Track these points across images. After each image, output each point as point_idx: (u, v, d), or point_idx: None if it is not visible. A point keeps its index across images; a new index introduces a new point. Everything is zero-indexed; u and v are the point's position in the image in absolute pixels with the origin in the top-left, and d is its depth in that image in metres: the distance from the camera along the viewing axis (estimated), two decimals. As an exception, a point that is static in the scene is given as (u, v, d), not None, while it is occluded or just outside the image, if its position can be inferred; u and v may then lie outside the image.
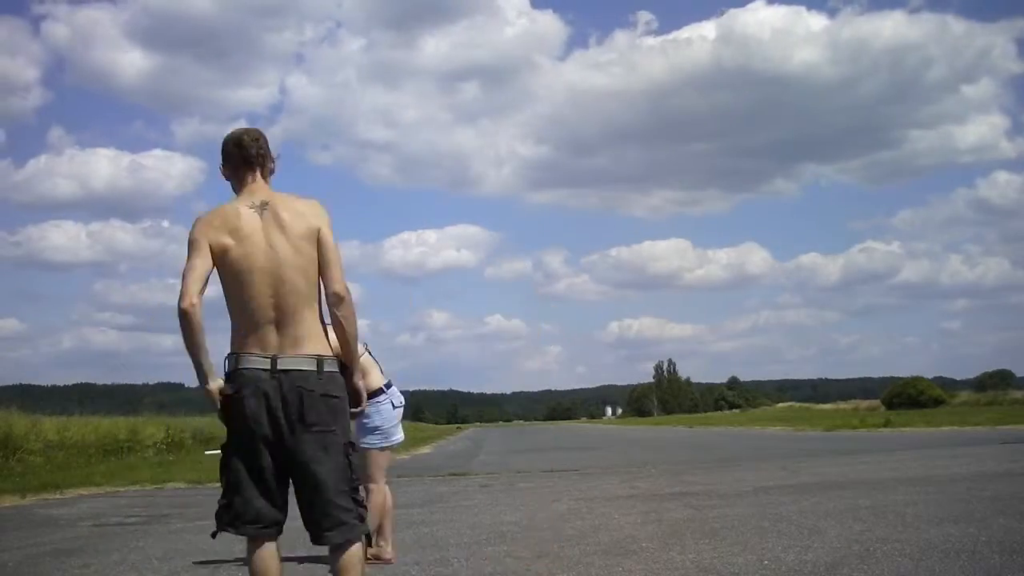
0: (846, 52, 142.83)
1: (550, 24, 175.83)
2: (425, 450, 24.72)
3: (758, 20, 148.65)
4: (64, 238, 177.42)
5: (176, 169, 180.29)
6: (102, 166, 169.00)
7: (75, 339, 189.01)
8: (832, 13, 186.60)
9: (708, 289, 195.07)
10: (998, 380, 63.49)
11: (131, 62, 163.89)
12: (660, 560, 4.76)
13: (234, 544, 6.09)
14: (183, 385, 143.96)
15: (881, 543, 4.87)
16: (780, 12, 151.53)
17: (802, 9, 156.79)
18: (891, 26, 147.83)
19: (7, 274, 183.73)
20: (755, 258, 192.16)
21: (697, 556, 4.81)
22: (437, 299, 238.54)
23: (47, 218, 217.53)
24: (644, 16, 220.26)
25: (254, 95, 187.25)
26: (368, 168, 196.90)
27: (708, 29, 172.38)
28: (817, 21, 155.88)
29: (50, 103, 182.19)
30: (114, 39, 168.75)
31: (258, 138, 3.00)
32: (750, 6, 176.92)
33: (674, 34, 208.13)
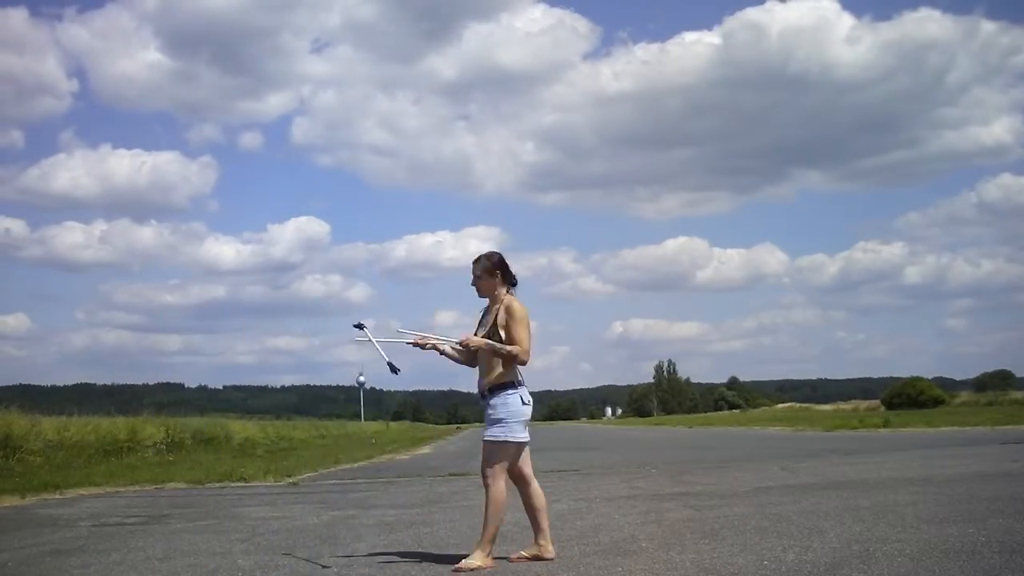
0: (864, 52, 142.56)
1: (562, 26, 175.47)
2: (425, 450, 24.73)
3: (771, 20, 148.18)
4: (77, 238, 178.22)
5: (191, 171, 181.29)
6: (117, 167, 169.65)
7: (76, 339, 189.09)
8: (852, 13, 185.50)
9: (709, 290, 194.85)
10: (998, 380, 63.55)
11: (148, 65, 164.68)
12: (660, 560, 4.76)
13: (234, 545, 6.10)
14: (183, 385, 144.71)
15: (881, 543, 4.88)
16: (794, 12, 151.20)
17: (821, 9, 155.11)
18: (914, 26, 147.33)
19: (24, 273, 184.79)
20: (760, 259, 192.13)
21: (697, 556, 4.81)
22: (442, 299, 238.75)
23: (62, 218, 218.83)
24: (650, 19, 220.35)
25: (271, 100, 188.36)
26: (379, 170, 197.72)
27: (715, 32, 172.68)
28: (834, 20, 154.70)
29: (65, 104, 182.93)
30: (131, 42, 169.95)
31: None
32: (764, 6, 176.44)
33: (682, 36, 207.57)
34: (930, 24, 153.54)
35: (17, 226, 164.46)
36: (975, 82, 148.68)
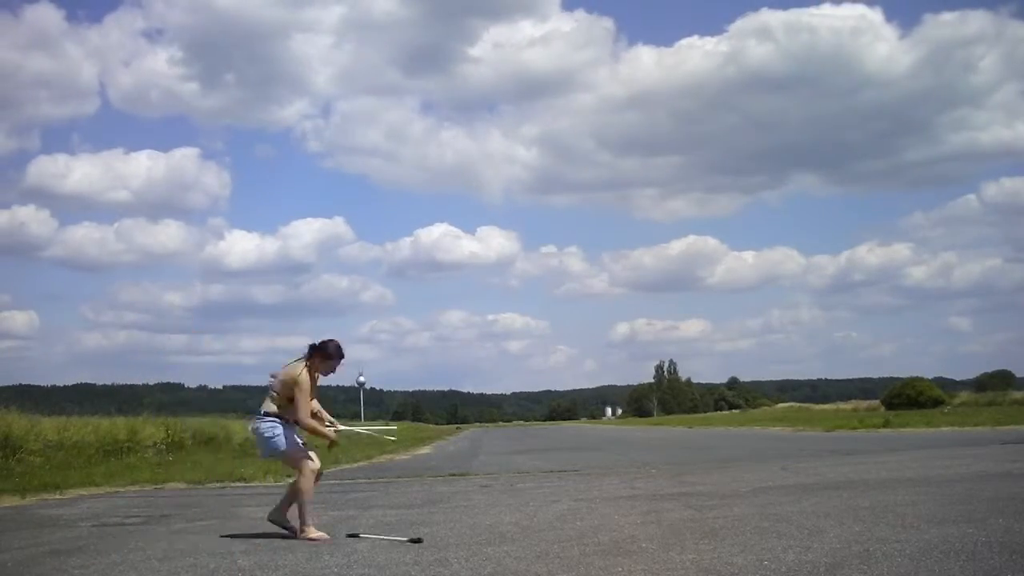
0: (881, 52, 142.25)
1: (574, 29, 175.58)
2: (425, 450, 24.73)
3: (780, 21, 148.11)
4: (93, 237, 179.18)
5: (206, 174, 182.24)
6: (130, 169, 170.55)
7: (82, 339, 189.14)
8: (879, 14, 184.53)
9: (711, 290, 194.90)
10: (998, 380, 63.49)
11: (163, 70, 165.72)
12: (660, 560, 4.76)
13: (233, 545, 6.10)
14: (183, 385, 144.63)
15: (881, 543, 4.88)
16: (811, 12, 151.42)
17: (843, 11, 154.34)
18: (936, 25, 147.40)
19: (41, 272, 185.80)
20: (762, 260, 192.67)
21: (697, 556, 4.81)
22: (443, 300, 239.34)
23: (79, 218, 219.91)
24: (658, 22, 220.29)
25: (288, 107, 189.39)
26: (388, 173, 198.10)
27: (721, 35, 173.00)
28: (852, 22, 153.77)
29: (81, 106, 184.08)
30: (146, 46, 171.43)
31: None
32: (775, 9, 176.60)
33: (684, 41, 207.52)
34: (953, 25, 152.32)
35: (36, 225, 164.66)
36: (996, 82, 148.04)
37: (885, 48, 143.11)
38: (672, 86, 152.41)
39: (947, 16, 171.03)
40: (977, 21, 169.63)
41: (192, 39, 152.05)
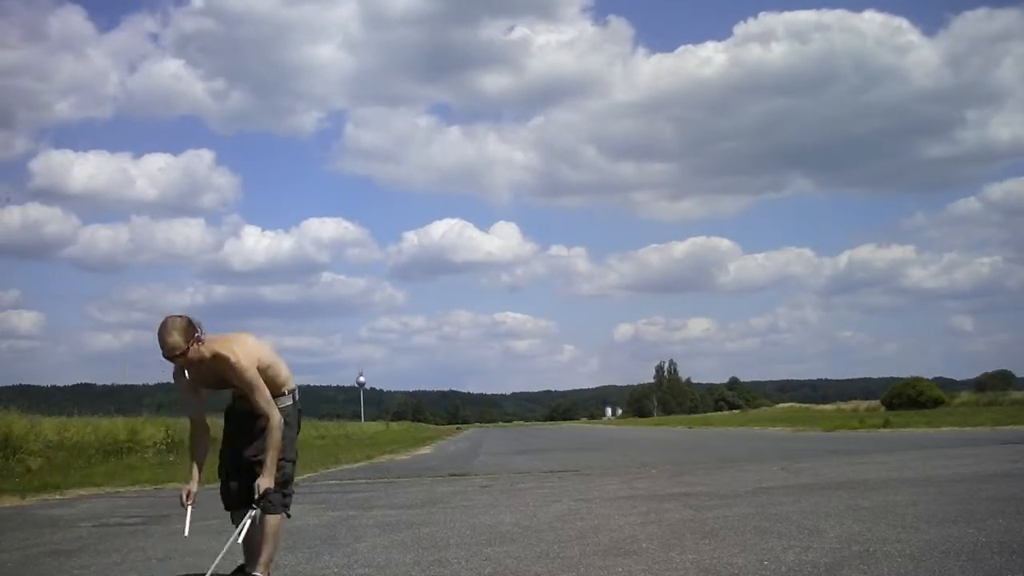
0: (894, 52, 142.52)
1: (582, 36, 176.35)
2: (424, 451, 24.74)
3: (784, 24, 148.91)
4: (104, 236, 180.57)
5: (217, 176, 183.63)
6: (141, 170, 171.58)
7: (84, 339, 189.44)
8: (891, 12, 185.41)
9: (712, 291, 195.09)
10: (998, 381, 63.50)
11: (174, 73, 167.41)
12: (660, 560, 4.76)
13: (234, 545, 6.08)
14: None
15: (881, 543, 4.87)
16: (816, 15, 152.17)
17: (855, 14, 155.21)
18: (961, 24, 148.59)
19: (51, 271, 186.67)
20: (762, 261, 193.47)
21: (697, 556, 4.81)
22: (450, 300, 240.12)
23: (89, 219, 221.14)
24: (663, 27, 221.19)
25: (297, 107, 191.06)
26: (396, 174, 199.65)
27: (726, 39, 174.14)
28: (863, 23, 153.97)
29: (93, 108, 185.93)
30: (158, 50, 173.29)
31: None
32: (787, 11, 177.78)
33: (692, 43, 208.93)
34: (979, 23, 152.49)
35: (50, 226, 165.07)
36: (1015, 81, 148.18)
37: (897, 48, 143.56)
38: (679, 89, 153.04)
39: (968, 15, 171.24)
40: (1004, 18, 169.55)
41: (206, 43, 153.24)
